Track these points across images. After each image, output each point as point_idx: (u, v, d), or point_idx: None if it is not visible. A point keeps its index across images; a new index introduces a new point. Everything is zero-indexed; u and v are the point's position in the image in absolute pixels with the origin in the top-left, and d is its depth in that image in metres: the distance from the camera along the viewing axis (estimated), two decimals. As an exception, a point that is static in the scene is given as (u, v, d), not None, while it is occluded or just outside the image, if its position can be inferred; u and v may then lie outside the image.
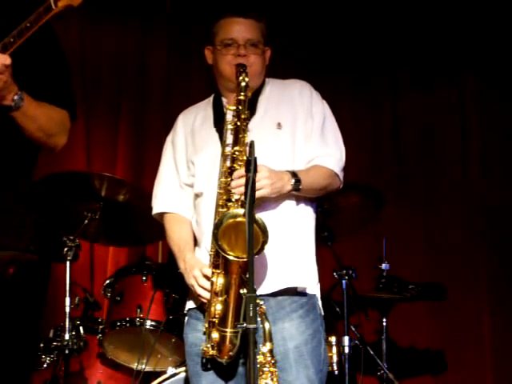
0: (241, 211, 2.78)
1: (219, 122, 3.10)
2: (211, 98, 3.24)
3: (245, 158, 2.84)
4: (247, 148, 2.85)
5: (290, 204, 3.03)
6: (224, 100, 3.17)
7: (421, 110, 5.42)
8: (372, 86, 5.43)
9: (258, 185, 2.80)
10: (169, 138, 3.29)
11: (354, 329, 4.11)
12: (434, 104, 5.40)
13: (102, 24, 5.29)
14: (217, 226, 2.78)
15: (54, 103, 2.84)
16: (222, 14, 3.15)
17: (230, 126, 2.93)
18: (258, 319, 2.65)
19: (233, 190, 2.84)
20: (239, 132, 2.90)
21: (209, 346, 2.87)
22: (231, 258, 2.75)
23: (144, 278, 4.08)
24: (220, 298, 2.84)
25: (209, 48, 3.19)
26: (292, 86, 3.20)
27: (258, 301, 2.59)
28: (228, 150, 2.94)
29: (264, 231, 2.74)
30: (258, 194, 2.81)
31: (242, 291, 2.76)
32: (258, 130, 3.00)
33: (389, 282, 4.35)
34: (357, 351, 4.06)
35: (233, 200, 2.86)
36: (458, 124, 5.46)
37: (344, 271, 4.07)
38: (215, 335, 2.84)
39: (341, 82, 5.39)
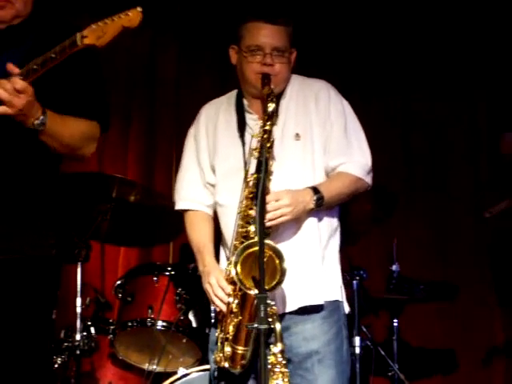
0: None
1: (242, 129, 3.08)
2: (233, 97, 3.19)
3: (269, 186, 2.86)
4: (271, 176, 2.86)
5: (311, 223, 3.00)
6: (246, 103, 3.13)
7: (431, 113, 5.41)
8: (383, 90, 5.42)
9: (278, 212, 2.84)
10: (191, 132, 3.25)
11: (365, 329, 4.10)
12: (445, 107, 5.40)
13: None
14: (235, 263, 2.78)
15: (84, 115, 2.82)
16: (251, 15, 3.07)
17: (254, 153, 2.88)
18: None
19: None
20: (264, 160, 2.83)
21: (221, 355, 2.89)
22: (251, 292, 2.75)
23: (155, 279, 4.09)
24: (235, 320, 2.85)
25: (234, 48, 3.13)
26: (310, 92, 3.12)
27: (268, 301, 2.59)
28: (251, 174, 2.90)
29: (283, 273, 2.74)
30: (280, 220, 2.85)
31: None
32: (276, 142, 2.96)
33: (399, 283, 4.34)
34: (368, 352, 4.06)
35: (251, 222, 2.87)
36: (467, 126, 5.45)
37: (355, 272, 4.08)
38: (228, 349, 2.87)
39: (352, 90, 5.37)
